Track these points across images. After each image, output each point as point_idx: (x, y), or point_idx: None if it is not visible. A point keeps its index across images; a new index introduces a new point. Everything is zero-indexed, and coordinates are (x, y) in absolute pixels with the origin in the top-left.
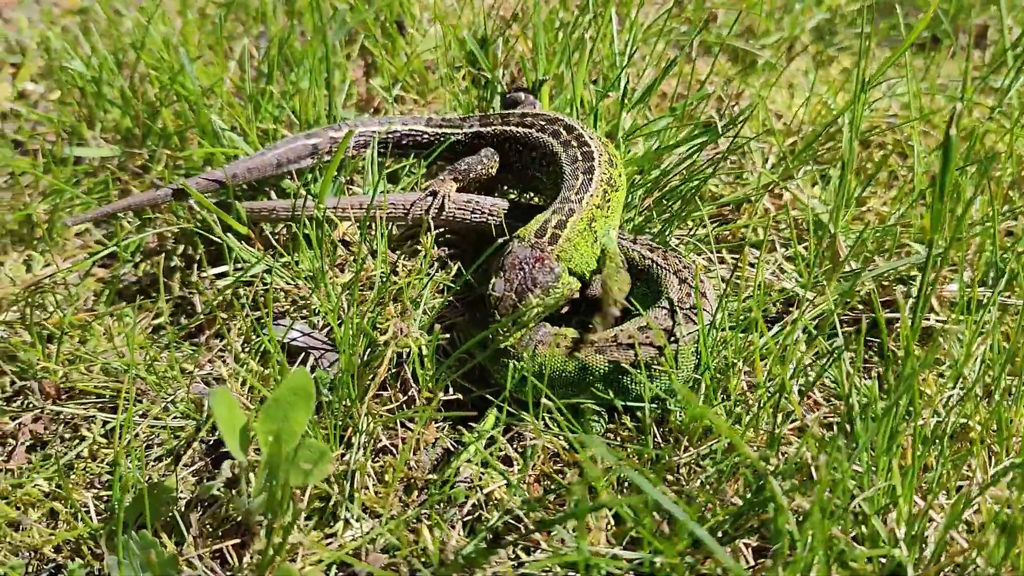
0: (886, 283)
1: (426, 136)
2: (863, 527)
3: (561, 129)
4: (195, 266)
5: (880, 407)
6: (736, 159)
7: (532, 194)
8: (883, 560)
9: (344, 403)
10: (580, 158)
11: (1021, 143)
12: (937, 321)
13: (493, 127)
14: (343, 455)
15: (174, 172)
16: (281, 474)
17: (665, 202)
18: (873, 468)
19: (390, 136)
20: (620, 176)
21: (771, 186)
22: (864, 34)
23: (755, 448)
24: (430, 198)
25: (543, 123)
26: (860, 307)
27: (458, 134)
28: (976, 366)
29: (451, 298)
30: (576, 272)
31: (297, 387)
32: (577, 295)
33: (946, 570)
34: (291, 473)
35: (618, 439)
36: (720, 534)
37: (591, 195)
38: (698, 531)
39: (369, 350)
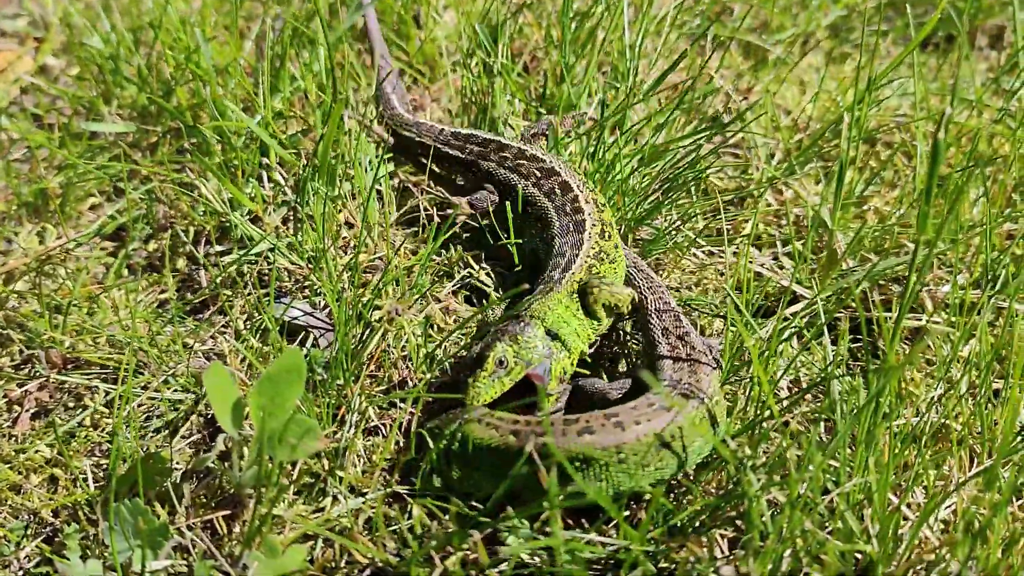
0: (883, 282)
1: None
2: (839, 523)
3: (556, 188)
4: (202, 243)
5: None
6: (742, 154)
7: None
8: (857, 556)
9: (338, 382)
10: (571, 229)
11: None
12: (930, 322)
13: (488, 162)
14: (335, 433)
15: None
16: (270, 449)
17: (667, 193)
18: (850, 464)
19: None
20: (616, 248)
21: (773, 181)
22: (876, 32)
23: (738, 443)
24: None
25: (538, 174)
26: (853, 305)
27: (460, 156)
28: (963, 367)
29: (450, 283)
30: (562, 336)
31: (290, 365)
32: (564, 375)
33: (916, 567)
34: (280, 448)
35: None
36: (698, 523)
37: (573, 273)
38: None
39: (368, 331)
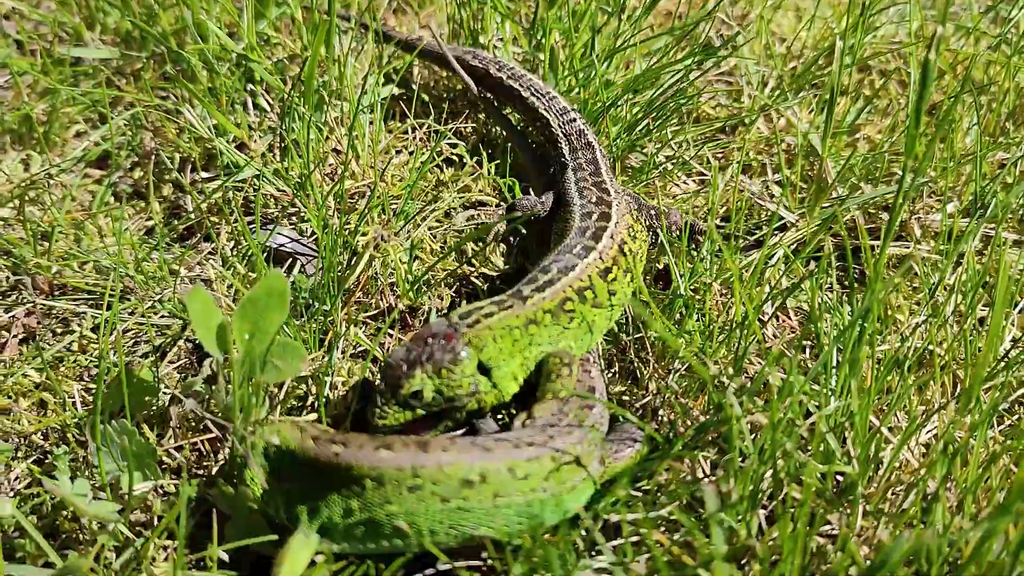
0: (872, 211)
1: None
2: (820, 446)
3: (593, 201)
4: (188, 170)
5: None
6: (735, 82)
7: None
8: (837, 479)
9: (324, 308)
10: (573, 249)
11: (1022, 75)
12: (917, 249)
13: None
14: (323, 357)
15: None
16: (255, 371)
17: (656, 120)
18: (832, 389)
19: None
20: (608, 299)
21: (766, 109)
22: None
23: (721, 367)
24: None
25: (592, 183)
26: (842, 234)
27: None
28: (949, 294)
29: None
30: (492, 375)
31: (272, 288)
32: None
33: (895, 488)
34: (265, 370)
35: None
36: (681, 446)
37: (545, 298)
38: None
39: (354, 256)
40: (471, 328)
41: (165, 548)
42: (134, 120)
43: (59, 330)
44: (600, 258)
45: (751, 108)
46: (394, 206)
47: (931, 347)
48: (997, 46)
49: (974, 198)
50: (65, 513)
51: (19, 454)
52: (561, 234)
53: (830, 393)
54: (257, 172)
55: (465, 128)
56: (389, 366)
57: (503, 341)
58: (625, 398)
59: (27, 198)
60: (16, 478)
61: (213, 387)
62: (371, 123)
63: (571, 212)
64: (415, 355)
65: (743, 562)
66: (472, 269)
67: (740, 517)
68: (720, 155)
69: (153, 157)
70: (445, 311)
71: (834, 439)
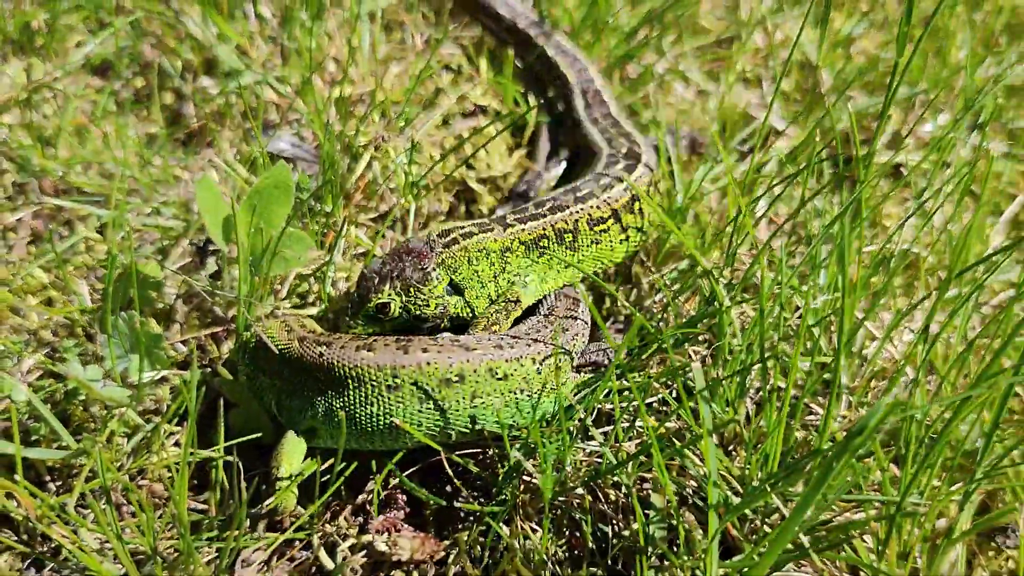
0: (866, 123)
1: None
2: (807, 343)
3: (623, 141)
4: (189, 78)
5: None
6: None
7: None
8: (826, 375)
9: (326, 209)
10: (578, 192)
11: None
12: (911, 159)
13: None
14: (323, 256)
15: None
16: (261, 263)
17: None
18: (822, 286)
19: None
20: (590, 247)
21: (763, 22)
22: None
23: (713, 263)
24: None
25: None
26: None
27: None
28: (936, 198)
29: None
30: (466, 295)
31: (278, 180)
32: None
33: (879, 379)
34: (273, 262)
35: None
36: (672, 340)
37: (525, 230)
38: None
39: (353, 160)
40: (447, 248)
41: (173, 434)
42: (134, 28)
43: (65, 232)
44: (597, 207)
45: (748, 21)
46: (394, 111)
47: (916, 249)
48: None
49: (964, 108)
50: (76, 402)
51: (28, 349)
52: (579, 175)
53: (818, 289)
54: (259, 77)
55: (463, 37)
56: (363, 277)
57: (479, 263)
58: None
59: (31, 104)
60: (28, 371)
61: (218, 282)
62: (370, 31)
63: (597, 159)
64: (388, 269)
65: (730, 448)
66: (472, 172)
67: (728, 403)
68: (718, 67)
69: (155, 65)
70: (442, 219)
71: (821, 332)
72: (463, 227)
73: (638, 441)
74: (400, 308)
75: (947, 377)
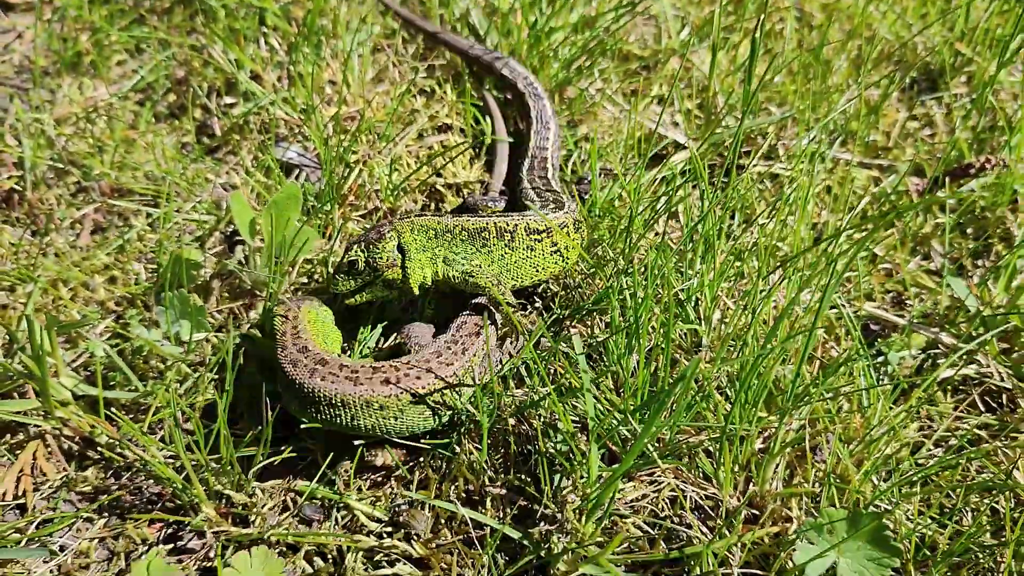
0: (752, 136)
1: None
2: (682, 314)
3: (551, 196)
4: (214, 96)
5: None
6: (657, 27)
7: None
8: (696, 339)
9: (326, 208)
10: (521, 214)
11: (888, 22)
12: (783, 169)
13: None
14: (326, 245)
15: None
16: (280, 251)
17: (589, 59)
18: (693, 271)
19: None
20: (523, 251)
21: (675, 53)
22: None
23: (615, 254)
24: None
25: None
26: (726, 155)
27: None
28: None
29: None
30: (406, 257)
31: (290, 194)
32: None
33: (731, 340)
34: (287, 250)
35: None
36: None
37: (470, 221)
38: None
39: (347, 169)
40: (398, 221)
41: (214, 380)
42: (168, 54)
43: (120, 224)
44: (535, 220)
45: (665, 50)
46: (377, 130)
47: (774, 241)
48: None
49: (830, 129)
50: (140, 357)
51: (100, 316)
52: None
53: (693, 273)
54: (271, 98)
55: (437, 63)
56: (346, 248)
57: (418, 234)
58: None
59: (88, 119)
60: (100, 333)
61: (245, 266)
62: (360, 56)
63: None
64: (359, 238)
65: (620, 390)
66: (440, 179)
67: (617, 359)
68: (638, 89)
69: (188, 86)
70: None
71: (691, 307)
72: (420, 213)
73: (553, 387)
74: (363, 262)
75: (772, 334)
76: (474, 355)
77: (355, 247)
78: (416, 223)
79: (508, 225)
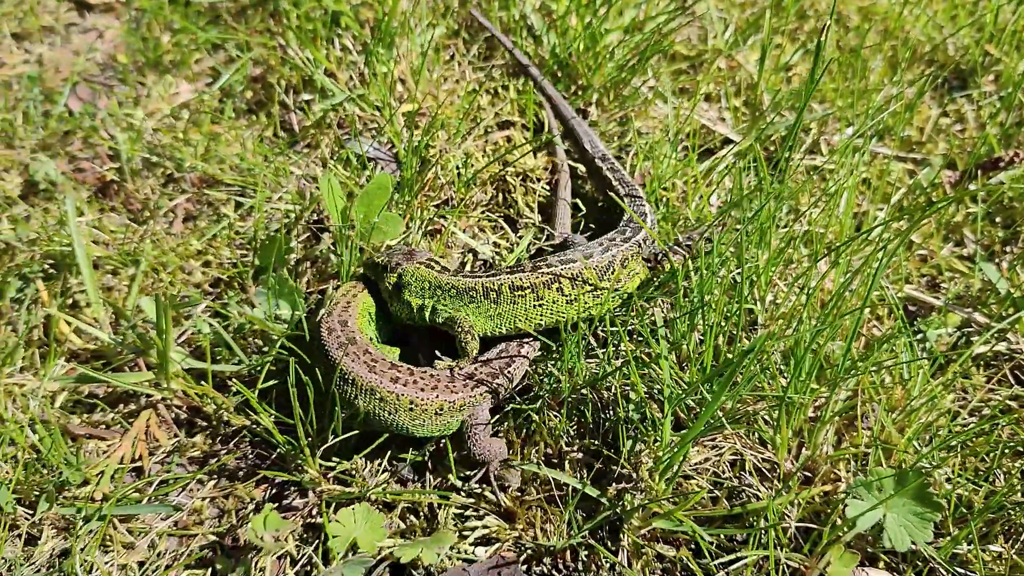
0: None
1: None
2: (737, 298)
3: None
4: (291, 92)
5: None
6: (702, 27)
7: None
8: (751, 318)
9: (405, 199)
10: (531, 266)
11: (920, 24)
12: (823, 162)
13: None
14: (404, 233)
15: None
16: (368, 236)
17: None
18: (749, 256)
19: None
20: (517, 310)
21: (721, 54)
22: None
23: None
24: None
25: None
26: (772, 148)
27: None
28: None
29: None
30: (403, 295)
31: (380, 183)
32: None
33: (782, 321)
34: (375, 234)
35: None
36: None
37: (464, 281)
38: None
39: (422, 163)
40: (408, 261)
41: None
42: (248, 55)
43: (210, 213)
44: (521, 278)
45: (712, 50)
46: (450, 127)
47: (819, 229)
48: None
49: (864, 123)
50: (238, 336)
51: (198, 296)
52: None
53: (749, 258)
54: (347, 96)
55: (497, 64)
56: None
57: (414, 279)
58: None
59: (175, 116)
60: (202, 311)
61: (332, 252)
62: (426, 55)
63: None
64: (393, 251)
65: (683, 364)
66: (510, 168)
67: (683, 335)
68: (688, 87)
69: (266, 83)
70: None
71: (749, 288)
72: (434, 261)
73: (623, 359)
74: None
75: (825, 315)
76: (481, 395)
77: (383, 258)
78: (409, 272)
79: (493, 285)
